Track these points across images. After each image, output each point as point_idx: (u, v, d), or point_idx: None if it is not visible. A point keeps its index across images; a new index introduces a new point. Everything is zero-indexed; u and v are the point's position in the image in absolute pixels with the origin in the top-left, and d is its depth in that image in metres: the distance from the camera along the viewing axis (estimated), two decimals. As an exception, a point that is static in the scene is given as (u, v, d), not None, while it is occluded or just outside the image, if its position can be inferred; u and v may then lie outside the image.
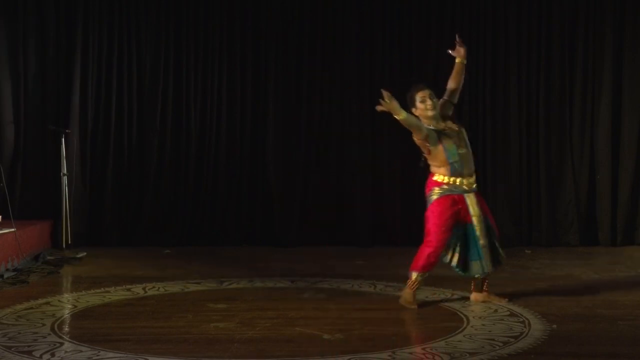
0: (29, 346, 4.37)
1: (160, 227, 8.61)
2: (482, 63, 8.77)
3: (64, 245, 7.81)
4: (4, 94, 8.34)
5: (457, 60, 5.63)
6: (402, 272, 6.90)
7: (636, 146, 8.72)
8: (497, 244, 5.49)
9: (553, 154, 8.76)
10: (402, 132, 8.69)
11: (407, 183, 8.82)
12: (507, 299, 5.54)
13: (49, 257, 7.47)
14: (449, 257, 5.47)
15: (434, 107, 5.41)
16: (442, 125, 5.43)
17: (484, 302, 5.49)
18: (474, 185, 5.49)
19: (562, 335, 4.65)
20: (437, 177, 5.43)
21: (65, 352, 4.28)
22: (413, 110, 5.43)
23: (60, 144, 7.97)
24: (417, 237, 8.52)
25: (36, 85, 8.51)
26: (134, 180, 8.69)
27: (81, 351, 4.28)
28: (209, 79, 8.79)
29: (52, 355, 4.20)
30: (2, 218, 7.30)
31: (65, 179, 7.89)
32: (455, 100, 5.63)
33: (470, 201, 5.41)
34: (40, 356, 4.18)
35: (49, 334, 4.64)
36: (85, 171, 8.57)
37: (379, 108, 5.26)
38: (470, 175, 5.46)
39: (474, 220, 5.40)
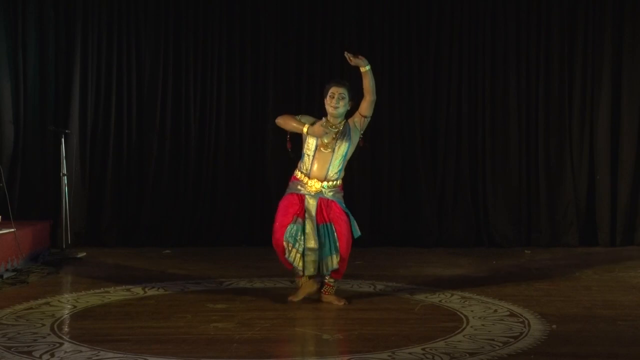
0: (28, 346, 4.37)
1: (160, 228, 8.61)
2: (481, 63, 8.78)
3: (63, 246, 7.80)
4: (4, 94, 8.33)
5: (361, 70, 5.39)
6: (402, 272, 6.96)
7: (636, 146, 8.73)
8: (327, 255, 5.43)
9: (552, 154, 8.77)
10: (402, 132, 8.81)
11: (406, 183, 8.84)
12: (345, 302, 5.47)
13: (48, 257, 7.47)
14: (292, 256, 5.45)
15: (337, 107, 5.41)
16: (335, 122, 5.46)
17: (325, 302, 5.50)
18: (324, 192, 5.45)
19: (562, 336, 4.66)
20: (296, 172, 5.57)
21: (65, 352, 4.28)
22: (324, 100, 5.47)
23: (60, 144, 7.96)
24: (416, 237, 8.68)
25: (36, 85, 8.51)
26: (134, 181, 8.70)
27: (81, 351, 4.28)
28: (209, 79, 8.79)
29: (52, 355, 4.21)
30: (1, 218, 7.30)
31: (65, 179, 7.88)
32: (364, 111, 5.45)
33: (310, 204, 5.45)
34: (40, 356, 4.18)
35: (49, 334, 4.64)
36: (85, 171, 8.57)
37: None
38: (320, 180, 5.45)
39: (306, 221, 5.44)
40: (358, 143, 5.55)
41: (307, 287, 5.52)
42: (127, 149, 8.69)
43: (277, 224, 5.48)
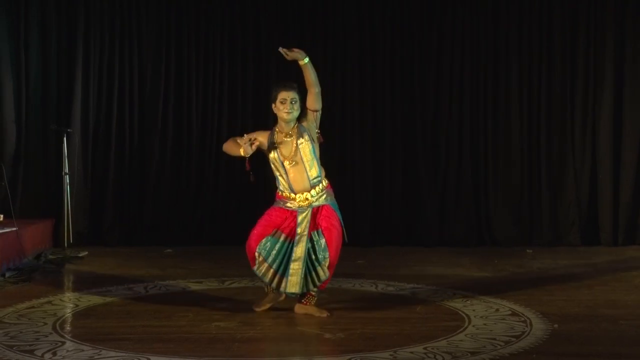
0: (30, 345, 4.37)
1: (162, 227, 8.61)
2: (483, 62, 8.78)
3: (65, 245, 7.81)
4: (6, 94, 8.33)
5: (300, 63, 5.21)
6: (404, 271, 6.96)
7: (638, 146, 8.72)
8: (315, 265, 5.10)
9: (554, 153, 8.77)
10: (403, 131, 8.81)
11: (408, 182, 8.83)
12: (327, 313, 5.16)
13: (50, 256, 7.48)
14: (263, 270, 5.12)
15: (291, 112, 5.12)
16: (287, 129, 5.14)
17: (305, 313, 5.18)
18: (314, 201, 5.14)
19: (564, 335, 4.65)
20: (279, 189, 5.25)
21: (67, 351, 4.28)
22: (273, 106, 5.19)
23: (62, 143, 7.97)
24: (418, 236, 8.68)
25: (38, 84, 8.51)
26: (136, 180, 8.70)
27: (83, 350, 4.28)
28: (210, 78, 8.80)
29: (54, 354, 4.21)
30: (4, 217, 7.31)
31: (66, 178, 7.89)
32: (312, 105, 5.16)
33: (302, 217, 5.12)
34: (42, 355, 4.19)
35: (51, 333, 4.65)
36: (87, 170, 8.57)
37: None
38: (306, 191, 5.14)
39: (297, 238, 5.10)
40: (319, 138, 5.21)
41: (274, 297, 5.24)
42: (129, 148, 8.69)
43: (255, 232, 5.19)
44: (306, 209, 5.15)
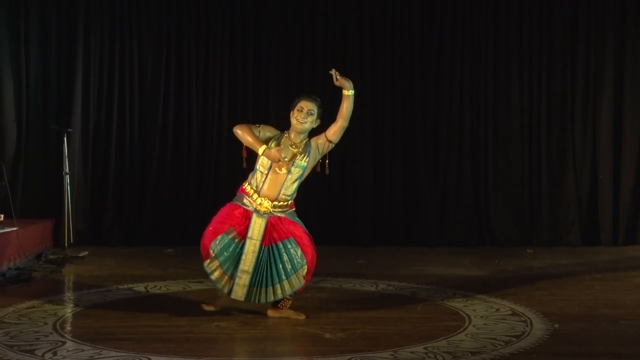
0: (30, 345, 4.37)
1: (162, 226, 8.61)
2: (483, 62, 8.79)
3: (66, 244, 7.80)
4: (6, 93, 8.33)
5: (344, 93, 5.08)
6: (404, 271, 6.96)
7: (637, 146, 8.74)
8: (290, 274, 4.99)
9: (555, 153, 8.78)
10: (403, 131, 8.81)
11: (408, 182, 8.84)
12: (304, 316, 5.07)
13: (51, 256, 7.47)
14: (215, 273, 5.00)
15: (304, 122, 5.05)
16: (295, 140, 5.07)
17: (280, 317, 5.07)
18: (273, 212, 5.03)
19: (564, 335, 4.66)
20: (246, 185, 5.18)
21: (67, 351, 4.28)
22: (291, 112, 5.10)
23: (62, 143, 7.96)
24: (418, 236, 8.68)
25: (38, 84, 8.51)
26: (136, 179, 8.70)
27: (83, 350, 4.28)
28: (211, 78, 8.80)
29: (54, 354, 4.21)
30: (4, 217, 7.30)
31: (67, 178, 7.88)
32: (331, 136, 5.15)
33: (256, 223, 5.02)
34: (42, 355, 4.19)
35: (51, 333, 4.65)
36: (87, 170, 8.57)
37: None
38: (269, 200, 5.04)
39: (247, 242, 5.00)
40: (315, 166, 5.14)
41: (227, 300, 5.10)
42: (129, 147, 8.69)
43: (210, 229, 5.08)
44: (262, 215, 5.03)
